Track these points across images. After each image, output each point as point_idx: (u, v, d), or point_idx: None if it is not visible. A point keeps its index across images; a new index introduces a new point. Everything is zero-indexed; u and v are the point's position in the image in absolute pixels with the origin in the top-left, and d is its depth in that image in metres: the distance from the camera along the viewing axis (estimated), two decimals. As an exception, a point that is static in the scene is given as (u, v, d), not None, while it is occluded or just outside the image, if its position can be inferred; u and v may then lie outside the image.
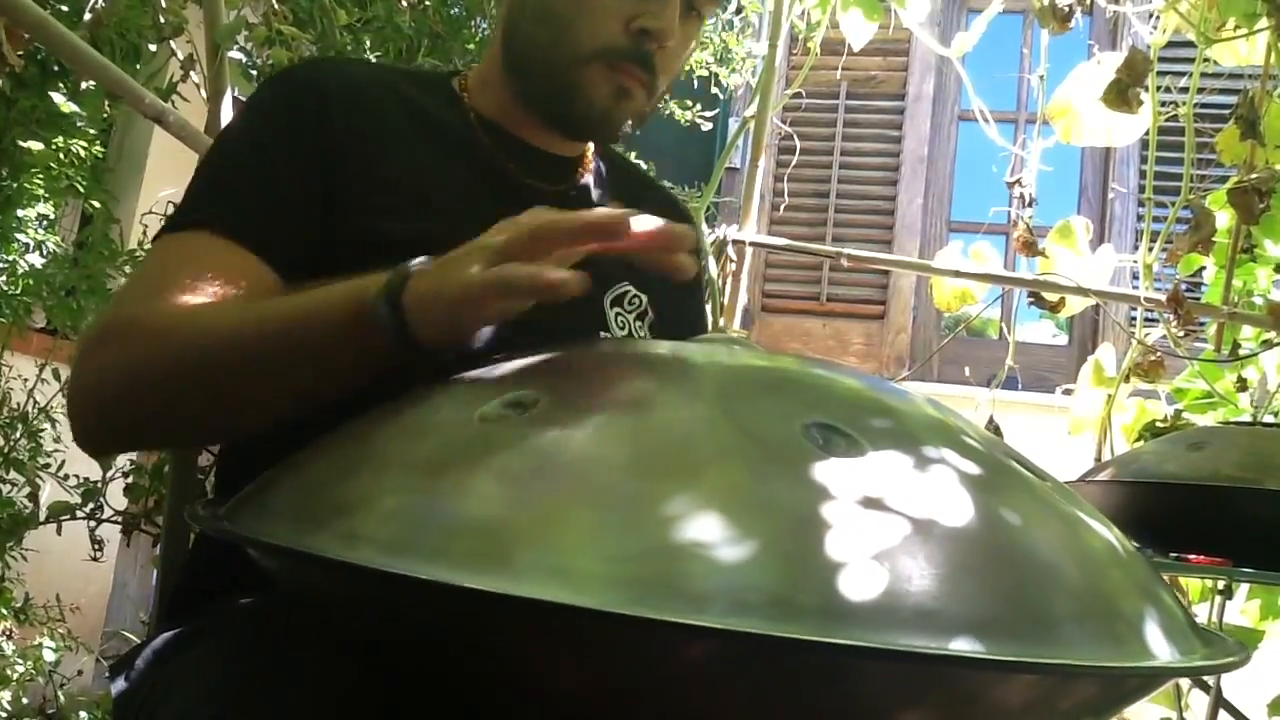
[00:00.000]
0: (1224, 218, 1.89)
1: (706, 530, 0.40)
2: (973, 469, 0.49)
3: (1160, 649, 0.46)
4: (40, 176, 2.15)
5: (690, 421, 0.47)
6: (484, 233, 0.66)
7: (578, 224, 0.62)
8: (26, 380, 2.20)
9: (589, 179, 0.99)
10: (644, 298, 0.95)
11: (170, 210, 0.86)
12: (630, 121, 0.91)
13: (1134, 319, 2.12)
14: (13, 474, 1.98)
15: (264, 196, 0.83)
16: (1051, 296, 2.00)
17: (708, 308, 1.18)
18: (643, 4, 0.86)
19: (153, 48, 1.90)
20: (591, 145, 1.01)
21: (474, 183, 0.91)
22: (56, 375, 2.17)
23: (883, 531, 0.42)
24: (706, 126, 2.98)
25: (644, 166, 2.40)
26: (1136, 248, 2.23)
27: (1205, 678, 1.77)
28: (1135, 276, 2.14)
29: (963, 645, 0.39)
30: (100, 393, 0.75)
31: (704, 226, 1.97)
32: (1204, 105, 1.95)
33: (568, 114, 0.90)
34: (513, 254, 0.61)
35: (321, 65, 0.94)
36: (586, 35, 0.86)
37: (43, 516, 1.71)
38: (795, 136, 3.03)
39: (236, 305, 0.74)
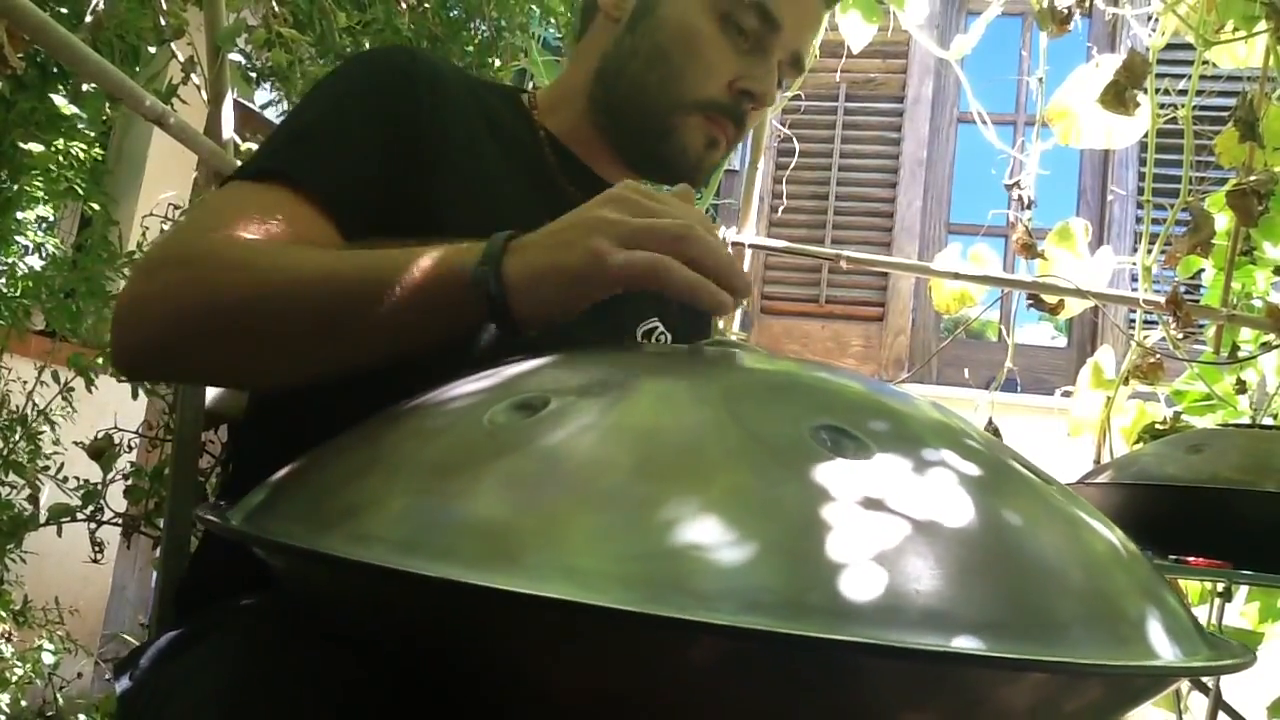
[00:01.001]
0: (1223, 220, 1.90)
1: (716, 532, 0.40)
2: (977, 471, 0.49)
3: (1165, 650, 0.46)
4: (40, 179, 2.14)
5: (698, 424, 0.47)
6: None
7: (724, 264, 0.61)
8: (25, 383, 2.20)
9: None
10: (669, 336, 0.98)
11: (171, 212, 0.87)
12: (711, 171, 0.96)
13: (1133, 321, 2.12)
14: (12, 476, 1.97)
15: (342, 161, 0.82)
16: (1051, 299, 2.00)
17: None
18: (750, 67, 0.91)
19: (153, 50, 1.89)
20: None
21: (535, 195, 0.92)
22: (56, 378, 2.17)
23: (891, 533, 0.42)
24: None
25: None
26: (1135, 250, 2.23)
27: (1204, 680, 1.78)
28: (1134, 279, 2.15)
29: (970, 645, 0.39)
30: (156, 313, 0.72)
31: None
32: (1203, 107, 1.95)
33: (661, 155, 0.94)
34: (644, 242, 0.60)
35: (415, 53, 0.95)
36: (694, 86, 0.91)
37: (43, 519, 1.70)
38: (794, 139, 3.03)
39: (319, 251, 0.73)
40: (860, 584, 0.39)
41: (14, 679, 2.39)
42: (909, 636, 0.38)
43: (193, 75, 1.62)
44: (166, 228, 1.77)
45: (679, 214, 0.63)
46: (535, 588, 0.38)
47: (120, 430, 1.67)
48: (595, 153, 0.97)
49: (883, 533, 0.42)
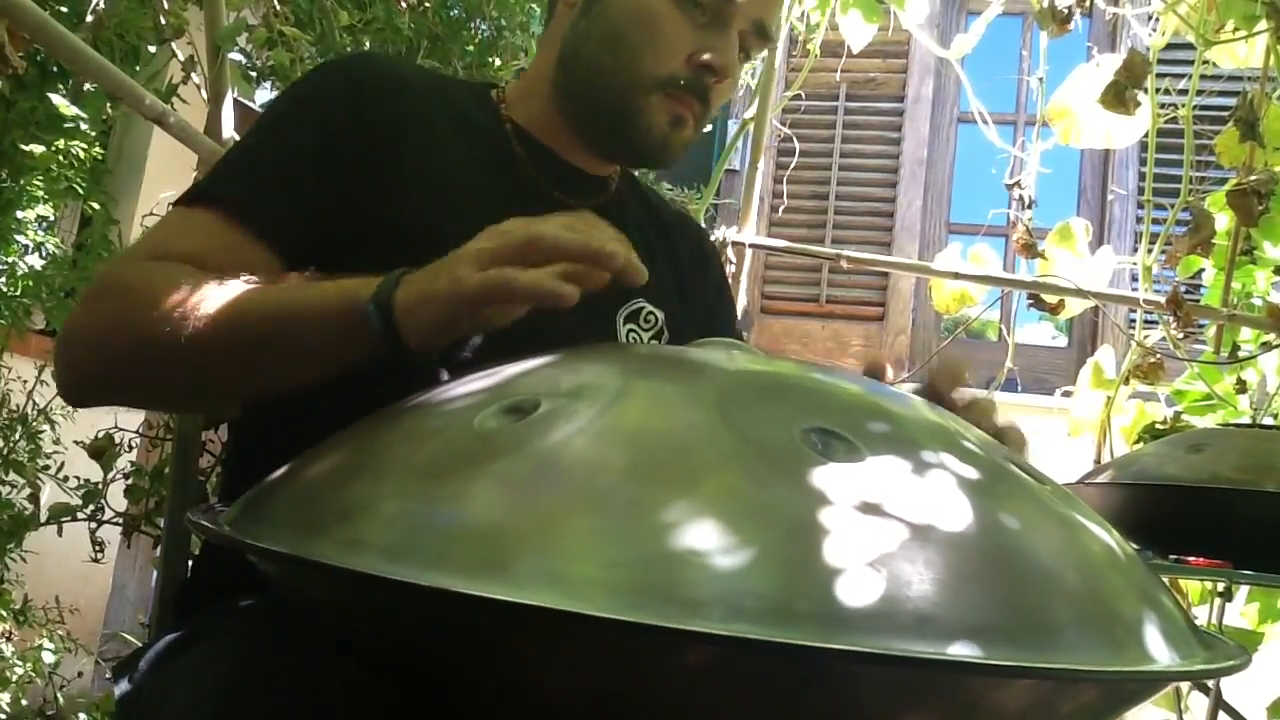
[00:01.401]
0: (1223, 220, 1.89)
1: (705, 536, 0.40)
2: (972, 473, 0.49)
3: (1161, 653, 0.46)
4: (40, 178, 2.14)
5: (689, 427, 0.47)
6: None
7: (575, 244, 0.63)
8: (26, 382, 2.20)
9: (616, 200, 1.02)
10: (660, 314, 0.97)
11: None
12: (682, 151, 0.95)
13: (1133, 321, 2.12)
14: (12, 476, 1.97)
15: (278, 182, 0.84)
16: (1051, 298, 2.00)
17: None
18: (708, 40, 0.90)
19: (153, 49, 1.89)
20: (617, 169, 1.04)
21: (503, 189, 0.93)
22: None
23: (882, 537, 0.42)
24: (706, 128, 2.97)
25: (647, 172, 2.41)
26: (1136, 250, 2.23)
27: (1205, 680, 1.77)
28: (1134, 278, 2.14)
29: (962, 651, 0.39)
30: (86, 344, 0.78)
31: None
32: (1203, 107, 1.95)
33: (625, 138, 0.93)
34: (503, 259, 0.62)
35: (367, 58, 0.98)
36: (652, 64, 0.90)
37: (43, 518, 1.70)
38: (794, 138, 3.03)
39: (232, 288, 0.75)
40: (850, 589, 0.39)
41: (14, 678, 2.40)
42: (900, 642, 0.38)
43: (193, 74, 1.62)
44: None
45: (512, 226, 0.65)
46: (524, 595, 0.38)
47: (120, 430, 1.67)
48: (563, 140, 0.97)
49: (873, 537, 0.41)
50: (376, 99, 0.88)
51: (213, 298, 0.73)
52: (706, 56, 0.89)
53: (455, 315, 0.64)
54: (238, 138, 1.52)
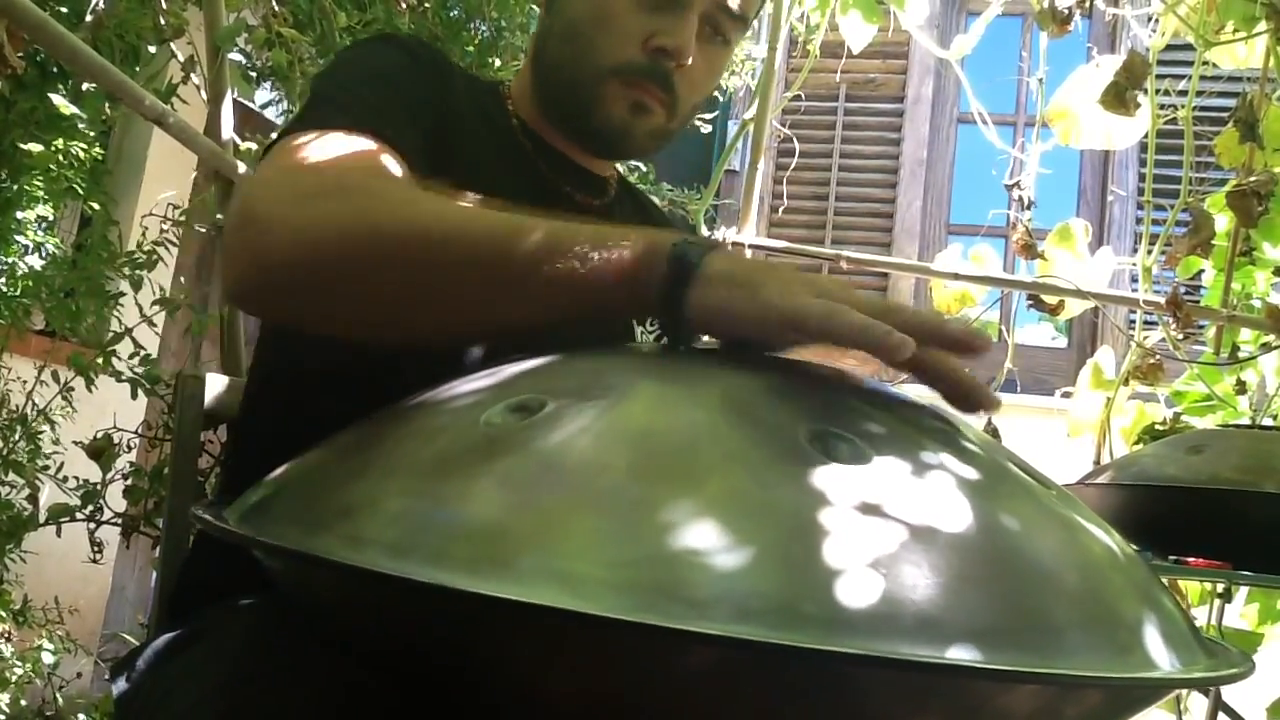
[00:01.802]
0: (1223, 221, 1.90)
1: (710, 537, 0.40)
2: (974, 475, 0.49)
3: (1163, 658, 0.46)
4: (40, 178, 2.14)
5: (694, 427, 0.47)
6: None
7: (925, 328, 0.54)
8: (25, 382, 2.20)
9: (615, 201, 1.03)
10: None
11: (170, 212, 0.86)
12: (652, 140, 0.94)
13: (1133, 322, 2.12)
14: (12, 476, 1.97)
15: (408, 126, 0.81)
16: (1050, 299, 2.00)
17: None
18: (660, 23, 0.89)
19: (153, 50, 1.89)
20: (615, 170, 1.05)
21: (522, 184, 0.94)
22: (55, 377, 2.16)
23: (886, 539, 0.41)
24: (706, 129, 2.96)
25: (644, 168, 2.41)
26: (1135, 250, 2.23)
27: (1211, 686, 1.77)
28: (1134, 279, 2.15)
29: (966, 654, 0.39)
30: (328, 239, 0.65)
31: (704, 229, 1.97)
32: (1203, 108, 1.95)
33: (586, 127, 0.93)
34: (835, 298, 0.55)
35: (422, 40, 0.98)
36: (606, 52, 0.90)
37: (42, 519, 1.70)
38: (794, 139, 3.03)
39: (480, 208, 0.68)
40: (854, 591, 0.39)
41: (14, 679, 2.39)
42: (903, 645, 0.38)
43: (192, 75, 1.62)
44: (166, 228, 1.77)
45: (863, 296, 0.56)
46: (527, 593, 0.38)
47: (120, 430, 1.67)
48: (554, 136, 0.98)
49: (877, 539, 0.41)
50: (435, 78, 0.90)
51: (475, 212, 0.66)
52: (659, 40, 0.89)
53: (761, 320, 0.55)
54: (238, 139, 1.52)
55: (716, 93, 3.04)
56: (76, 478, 1.78)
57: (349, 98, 0.81)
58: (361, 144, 0.75)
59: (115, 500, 1.67)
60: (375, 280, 0.65)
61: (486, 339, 0.71)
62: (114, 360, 1.71)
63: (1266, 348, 1.90)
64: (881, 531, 0.42)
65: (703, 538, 0.40)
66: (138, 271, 1.80)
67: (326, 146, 0.74)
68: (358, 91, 0.82)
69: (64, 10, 1.91)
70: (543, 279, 0.61)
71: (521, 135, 0.98)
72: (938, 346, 0.55)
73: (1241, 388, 2.01)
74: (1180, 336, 1.87)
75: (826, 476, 0.44)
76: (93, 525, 1.66)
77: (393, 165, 0.74)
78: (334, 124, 0.76)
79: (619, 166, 1.11)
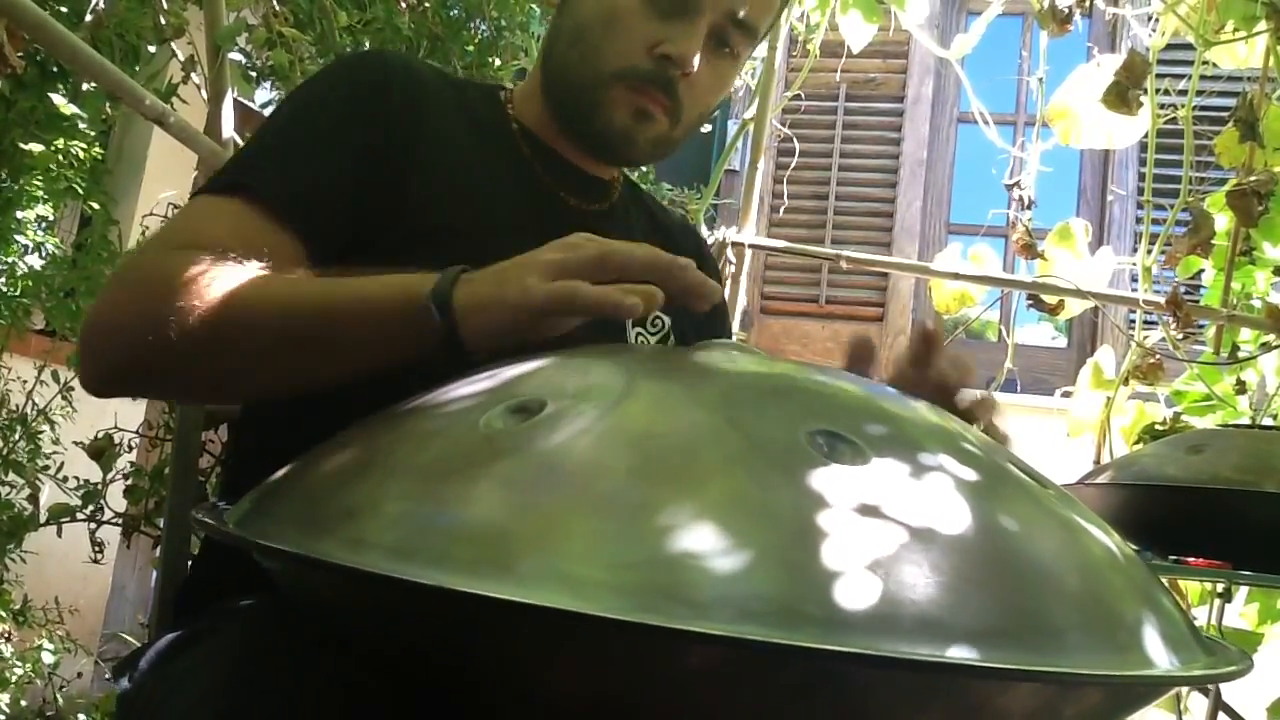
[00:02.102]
0: (1223, 220, 1.90)
1: (710, 538, 0.40)
2: (974, 475, 0.49)
3: (1162, 656, 0.46)
4: (40, 178, 2.14)
5: (694, 428, 0.47)
6: (516, 237, 0.68)
7: (644, 260, 0.64)
8: (25, 382, 2.20)
9: (619, 205, 1.03)
10: (666, 320, 0.98)
11: (170, 212, 0.88)
12: (655, 147, 0.94)
13: (1133, 321, 2.12)
14: (12, 476, 1.97)
15: (304, 171, 0.84)
16: (1050, 299, 2.00)
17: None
18: (668, 30, 0.89)
19: (153, 49, 1.89)
20: (621, 173, 1.05)
21: (512, 189, 0.93)
22: (55, 377, 2.17)
23: (886, 540, 0.42)
24: (706, 128, 2.97)
25: (644, 169, 2.41)
26: (1135, 250, 2.23)
27: (1209, 684, 1.77)
28: (1134, 279, 2.15)
29: (966, 654, 0.39)
30: (120, 335, 0.75)
31: (704, 229, 1.97)
32: (1203, 108, 1.95)
33: (589, 131, 0.93)
34: (572, 272, 0.63)
35: (385, 54, 0.97)
36: (612, 57, 0.89)
37: (43, 519, 1.70)
38: (794, 139, 3.03)
39: (280, 279, 0.74)
40: (855, 592, 0.39)
41: (14, 678, 2.40)
42: (903, 645, 0.38)
43: (193, 74, 1.62)
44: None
45: (582, 240, 0.66)
46: (528, 595, 0.38)
47: (120, 430, 1.67)
48: (562, 142, 0.97)
49: (878, 540, 0.41)
50: (398, 95, 0.89)
51: (256, 287, 0.72)
52: (665, 47, 0.88)
53: (518, 322, 0.64)
54: (238, 138, 1.52)
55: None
56: (77, 478, 1.78)
57: (247, 153, 0.87)
58: (216, 214, 0.81)
59: (116, 500, 1.68)
60: (188, 367, 0.75)
61: (336, 384, 0.73)
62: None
63: (1266, 347, 1.90)
64: (881, 532, 0.42)
65: (703, 539, 0.40)
66: (138, 271, 1.79)
67: (182, 224, 0.84)
68: (265, 143, 0.87)
69: (64, 10, 1.91)
70: (329, 343, 0.71)
71: (520, 139, 0.97)
72: (665, 286, 0.63)
73: (1241, 387, 2.01)
74: (1180, 336, 1.88)
75: (827, 477, 0.44)
76: (93, 525, 1.67)
77: (223, 237, 0.77)
78: (217, 185, 0.83)
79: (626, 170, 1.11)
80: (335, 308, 0.71)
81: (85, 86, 2.05)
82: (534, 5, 2.05)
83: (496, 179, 0.93)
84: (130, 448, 1.70)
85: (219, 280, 0.73)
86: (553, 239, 0.89)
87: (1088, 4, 1.92)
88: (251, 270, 0.74)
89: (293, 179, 0.83)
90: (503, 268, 0.67)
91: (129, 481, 1.66)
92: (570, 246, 0.66)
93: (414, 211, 0.85)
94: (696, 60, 0.89)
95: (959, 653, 0.39)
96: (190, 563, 0.97)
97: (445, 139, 0.90)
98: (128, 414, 1.69)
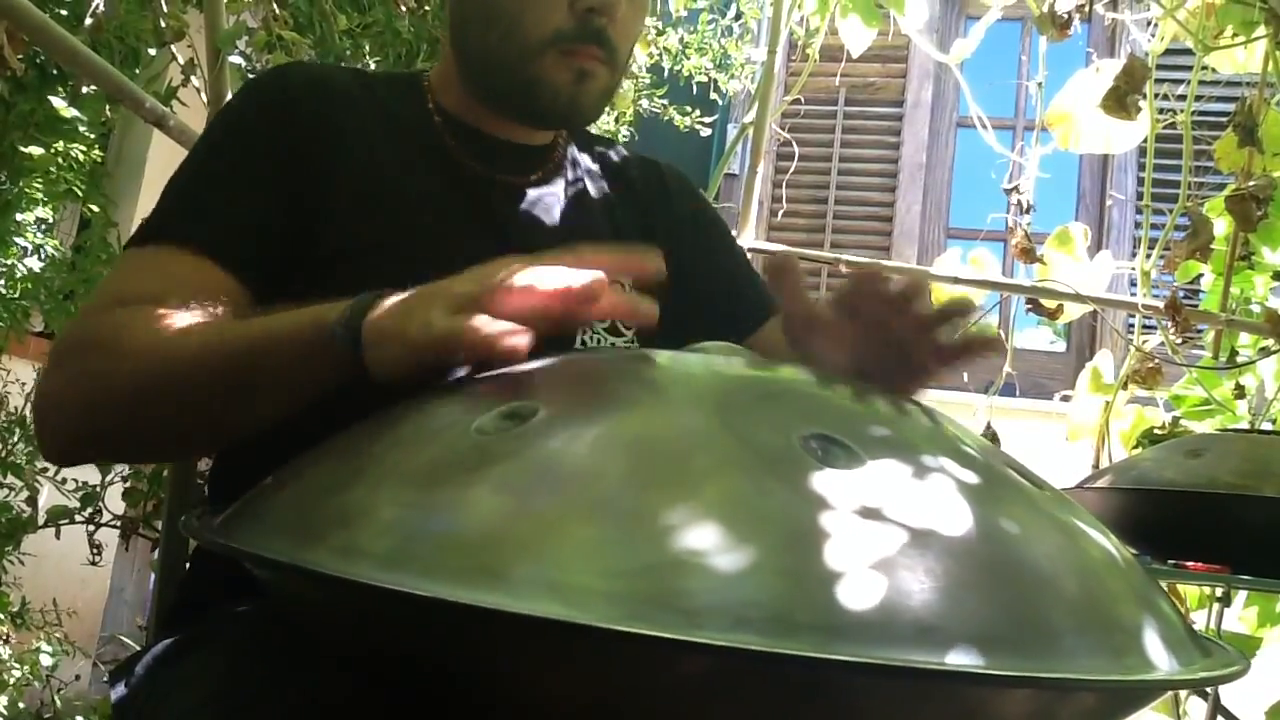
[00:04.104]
0: (1222, 225, 1.90)
1: (705, 545, 0.40)
2: (971, 479, 0.49)
3: (1160, 659, 0.46)
4: (39, 181, 2.14)
5: (689, 433, 0.47)
6: (445, 241, 0.66)
7: (551, 288, 0.59)
8: (24, 384, 2.20)
9: (563, 165, 0.99)
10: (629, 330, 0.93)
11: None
12: (600, 100, 0.91)
13: (1132, 326, 2.13)
14: (10, 478, 1.97)
15: (225, 208, 0.83)
16: (1049, 303, 2.00)
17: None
18: None
19: (153, 52, 1.90)
20: (562, 133, 1.01)
21: (439, 182, 0.91)
22: (54, 379, 2.16)
23: (881, 545, 0.41)
24: (705, 132, 2.98)
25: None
26: (1134, 255, 2.24)
27: (1205, 687, 1.77)
28: (1133, 283, 2.15)
29: (963, 660, 0.39)
30: (64, 406, 0.77)
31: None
32: (1202, 113, 1.95)
33: (532, 107, 0.90)
34: (478, 305, 0.60)
35: (289, 70, 0.95)
36: (534, 26, 0.86)
37: (41, 521, 1.70)
38: (794, 143, 3.03)
39: (201, 326, 0.75)
40: (851, 599, 0.39)
41: (12, 681, 2.39)
42: (900, 652, 0.38)
43: (193, 77, 1.62)
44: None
45: (497, 269, 0.62)
46: (523, 605, 0.38)
47: (118, 432, 1.66)
48: (484, 119, 0.94)
49: (873, 545, 0.41)
50: (304, 113, 0.87)
51: (178, 336, 0.73)
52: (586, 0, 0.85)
53: (420, 359, 0.62)
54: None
55: (716, 96, 3.04)
56: (75, 480, 1.78)
57: (168, 199, 0.85)
58: (148, 266, 0.81)
59: (114, 502, 1.67)
60: (130, 428, 0.76)
61: (280, 418, 0.73)
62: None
63: (1265, 352, 1.90)
64: (877, 537, 0.42)
65: (698, 546, 0.40)
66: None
67: (116, 281, 0.84)
68: (183, 186, 0.86)
69: (64, 13, 1.91)
70: (255, 382, 0.71)
71: (443, 130, 0.93)
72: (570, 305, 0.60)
73: (1240, 392, 2.01)
74: (1179, 341, 1.88)
75: (822, 482, 0.44)
76: (92, 527, 1.66)
77: (157, 289, 0.78)
78: (144, 235, 0.83)
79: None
80: (253, 343, 0.71)
81: (85, 89, 2.05)
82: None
83: (420, 181, 0.90)
84: (129, 450, 1.70)
85: (144, 337, 0.74)
86: (491, 227, 0.88)
87: (1087, 9, 1.92)
88: (178, 319, 0.74)
89: (213, 216, 0.83)
90: (410, 299, 0.64)
91: (128, 484, 1.66)
92: (481, 276, 0.62)
93: (337, 232, 0.84)
94: (622, 1, 0.86)
95: (956, 658, 0.39)
96: (187, 565, 0.97)
97: (362, 150, 0.88)
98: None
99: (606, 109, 0.95)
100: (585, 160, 1.02)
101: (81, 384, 0.75)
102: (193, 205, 0.84)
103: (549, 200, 0.95)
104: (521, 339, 0.57)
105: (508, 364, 0.57)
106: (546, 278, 0.59)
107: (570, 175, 0.99)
